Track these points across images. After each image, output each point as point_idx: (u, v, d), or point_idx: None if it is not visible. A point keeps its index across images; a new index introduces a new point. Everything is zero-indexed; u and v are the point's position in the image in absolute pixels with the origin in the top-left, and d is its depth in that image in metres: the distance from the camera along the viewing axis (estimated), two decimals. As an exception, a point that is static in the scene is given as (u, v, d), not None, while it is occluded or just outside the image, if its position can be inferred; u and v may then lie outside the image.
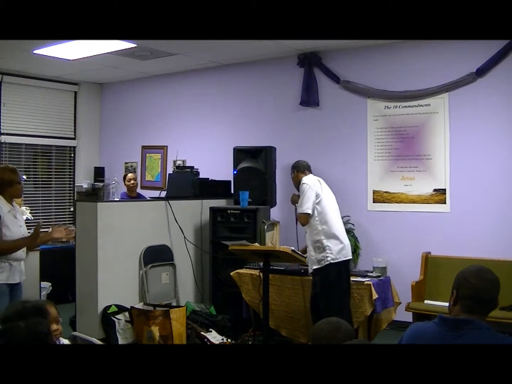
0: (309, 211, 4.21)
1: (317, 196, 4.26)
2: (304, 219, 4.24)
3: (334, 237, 4.23)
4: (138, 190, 7.17)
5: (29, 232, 4.05)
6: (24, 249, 3.95)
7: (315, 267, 4.24)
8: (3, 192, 3.81)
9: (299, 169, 4.54)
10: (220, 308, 5.33)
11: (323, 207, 4.26)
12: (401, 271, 5.25)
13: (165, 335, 4.57)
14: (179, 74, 7.17)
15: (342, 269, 4.25)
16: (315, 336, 2.34)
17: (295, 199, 4.50)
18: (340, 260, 4.22)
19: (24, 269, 3.98)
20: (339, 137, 5.94)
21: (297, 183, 4.46)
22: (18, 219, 3.92)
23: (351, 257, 4.39)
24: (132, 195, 6.47)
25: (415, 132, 5.52)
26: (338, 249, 4.22)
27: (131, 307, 4.84)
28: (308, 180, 4.34)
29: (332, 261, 4.19)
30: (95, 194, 5.05)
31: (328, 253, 4.18)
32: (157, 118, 7.44)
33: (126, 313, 4.82)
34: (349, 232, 5.70)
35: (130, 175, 6.61)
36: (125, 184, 6.50)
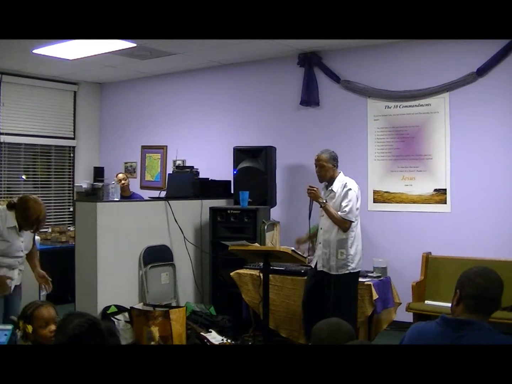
0: (354, 220, 4.16)
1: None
2: (349, 226, 4.15)
3: (357, 246, 4.23)
4: (138, 190, 7.17)
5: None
6: (19, 258, 3.95)
7: (333, 272, 4.17)
8: (17, 215, 3.83)
9: (336, 164, 4.29)
10: (220, 308, 5.32)
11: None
12: (401, 272, 5.24)
13: (165, 336, 4.56)
14: (179, 74, 7.16)
15: (357, 278, 4.28)
16: (315, 337, 2.33)
17: (318, 195, 4.23)
18: (358, 270, 4.24)
19: (19, 276, 3.97)
20: (339, 137, 5.93)
21: (328, 178, 4.26)
22: (21, 235, 3.93)
23: None
24: (125, 195, 6.43)
25: (416, 132, 5.51)
26: (358, 258, 4.24)
27: (130, 307, 4.83)
28: (355, 186, 4.23)
29: (352, 271, 4.19)
30: (95, 194, 5.04)
31: (349, 261, 4.17)
32: (157, 118, 7.43)
33: (126, 314, 4.82)
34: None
35: (120, 175, 6.59)
36: None
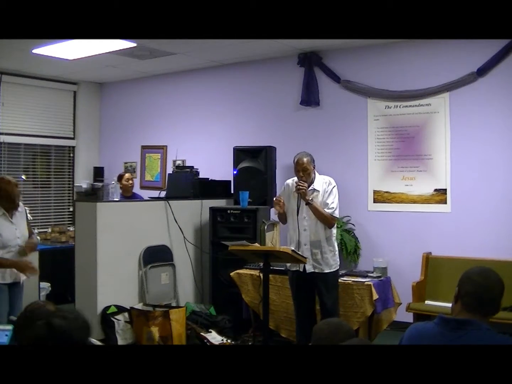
0: (339, 216, 4.24)
1: None
2: (335, 222, 4.21)
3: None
4: (137, 190, 7.16)
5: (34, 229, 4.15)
6: (18, 247, 3.98)
7: (327, 270, 4.16)
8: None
9: (314, 164, 4.21)
10: (220, 308, 5.32)
11: None
12: (401, 272, 5.24)
13: (164, 336, 4.56)
14: (178, 74, 7.16)
15: None
16: (316, 337, 2.33)
17: (307, 192, 4.07)
18: None
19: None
20: (339, 137, 5.93)
21: (310, 179, 4.15)
22: (13, 223, 3.98)
23: None
24: (127, 195, 6.41)
25: (416, 132, 5.51)
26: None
27: (130, 307, 4.83)
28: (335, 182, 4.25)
29: (338, 267, 4.25)
30: (95, 194, 5.04)
31: (337, 258, 4.23)
32: (157, 118, 7.43)
33: (126, 314, 4.82)
34: (349, 232, 5.70)
35: (127, 175, 6.54)
36: (122, 184, 6.38)
